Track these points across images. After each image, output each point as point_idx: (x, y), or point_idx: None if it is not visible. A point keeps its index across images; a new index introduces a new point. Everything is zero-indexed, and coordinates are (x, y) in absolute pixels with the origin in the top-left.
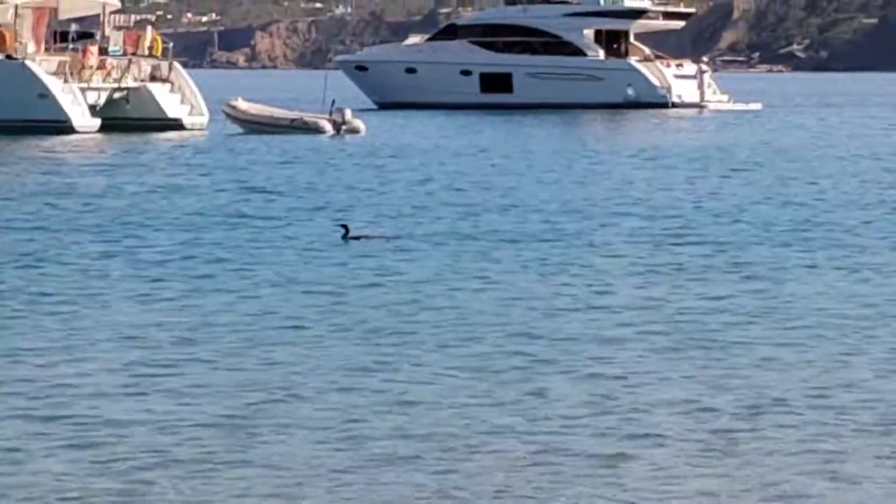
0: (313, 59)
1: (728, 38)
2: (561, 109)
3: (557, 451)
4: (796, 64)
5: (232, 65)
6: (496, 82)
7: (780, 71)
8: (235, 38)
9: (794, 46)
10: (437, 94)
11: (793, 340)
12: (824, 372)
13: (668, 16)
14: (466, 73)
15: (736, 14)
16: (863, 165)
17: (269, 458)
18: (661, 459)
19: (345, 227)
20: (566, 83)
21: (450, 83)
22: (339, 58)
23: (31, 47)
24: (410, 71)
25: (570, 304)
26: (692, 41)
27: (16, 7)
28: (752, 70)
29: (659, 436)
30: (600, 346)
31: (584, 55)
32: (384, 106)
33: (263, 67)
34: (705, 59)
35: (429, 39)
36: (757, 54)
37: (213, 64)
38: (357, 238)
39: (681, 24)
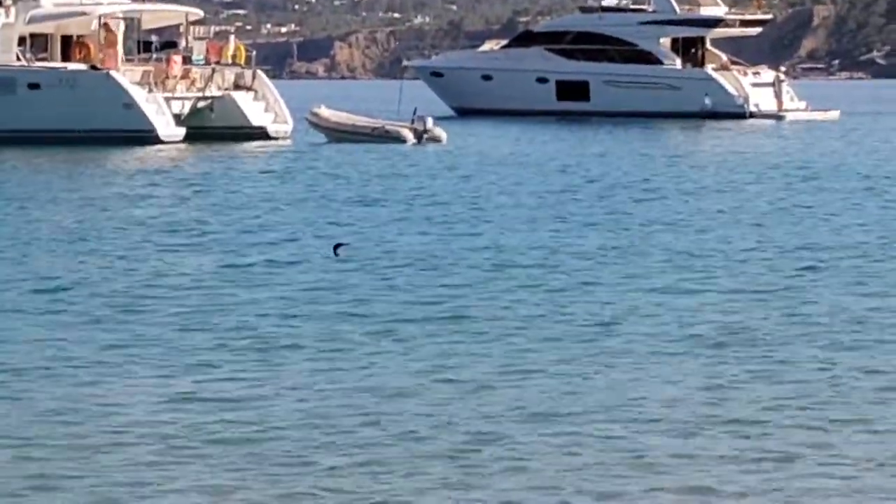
0: (392, 68)
1: (807, 45)
2: (637, 118)
3: None
4: (876, 71)
5: (311, 75)
6: (573, 90)
7: (860, 78)
8: (315, 49)
9: (875, 53)
10: (514, 101)
11: None
12: None
13: (745, 23)
14: (543, 80)
15: (815, 21)
16: None
17: None
18: None
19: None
20: (643, 91)
21: (526, 90)
22: (415, 63)
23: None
24: (486, 78)
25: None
26: (771, 48)
27: (100, 18)
28: (831, 77)
29: None
30: None
31: (661, 63)
32: (460, 112)
33: (342, 78)
34: (784, 66)
35: (504, 46)
36: (837, 61)
37: (293, 74)
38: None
39: (757, 30)
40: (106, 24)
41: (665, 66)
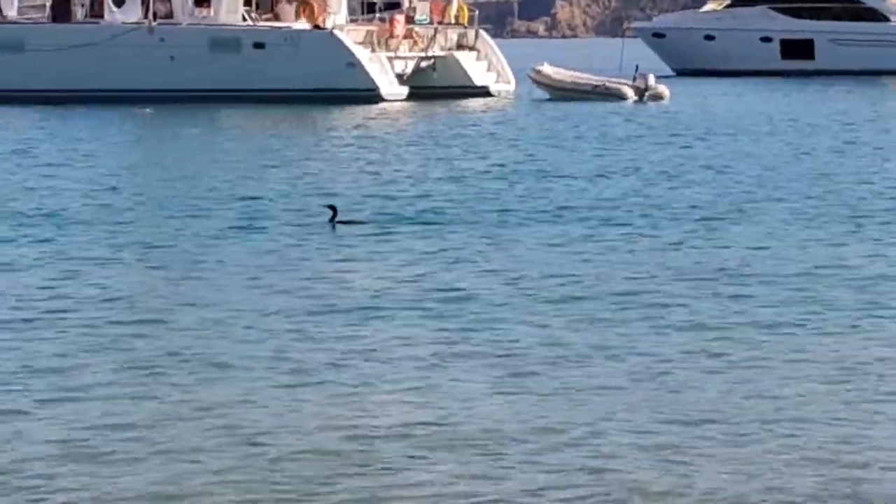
0: (613, 27)
1: None
2: (862, 76)
3: None
4: None
5: (532, 34)
6: (797, 49)
7: None
8: (535, 8)
9: None
10: (737, 60)
11: None
12: None
13: None
14: (767, 39)
15: None
16: None
17: None
18: None
19: (332, 208)
20: (869, 49)
21: (749, 50)
22: (636, 24)
23: (339, 18)
24: (709, 38)
25: None
26: None
27: None
28: None
29: None
30: None
31: (888, 21)
32: (682, 73)
33: (563, 36)
34: None
35: (728, 6)
36: None
37: (514, 33)
38: (345, 223)
39: None
40: None
41: (892, 24)
